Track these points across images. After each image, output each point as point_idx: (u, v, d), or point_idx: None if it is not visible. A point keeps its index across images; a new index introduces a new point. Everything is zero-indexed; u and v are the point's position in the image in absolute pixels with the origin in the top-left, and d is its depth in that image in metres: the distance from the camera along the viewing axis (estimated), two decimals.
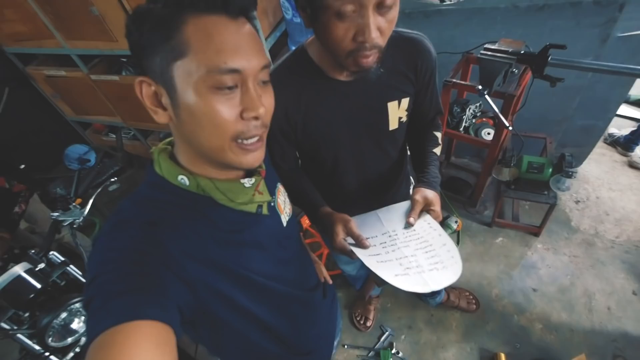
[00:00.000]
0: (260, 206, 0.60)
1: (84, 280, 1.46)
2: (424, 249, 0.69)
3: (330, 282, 0.92)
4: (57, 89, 2.51)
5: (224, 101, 0.45)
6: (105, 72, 2.20)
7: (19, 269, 1.21)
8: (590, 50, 1.61)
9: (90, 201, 1.54)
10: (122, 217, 0.49)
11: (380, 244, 0.72)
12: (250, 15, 0.48)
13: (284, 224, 0.68)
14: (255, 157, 0.52)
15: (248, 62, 0.45)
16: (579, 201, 2.08)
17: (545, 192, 1.73)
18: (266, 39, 1.65)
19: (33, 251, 1.35)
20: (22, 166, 2.14)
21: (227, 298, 0.55)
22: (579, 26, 1.55)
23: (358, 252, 0.69)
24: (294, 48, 0.82)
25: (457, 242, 1.98)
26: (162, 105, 0.48)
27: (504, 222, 1.99)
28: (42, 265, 1.31)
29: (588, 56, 1.62)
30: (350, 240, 0.72)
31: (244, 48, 0.45)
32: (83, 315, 1.33)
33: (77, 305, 1.30)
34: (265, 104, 0.49)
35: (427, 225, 0.75)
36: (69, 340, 1.31)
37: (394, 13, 0.62)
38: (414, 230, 0.74)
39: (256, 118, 0.47)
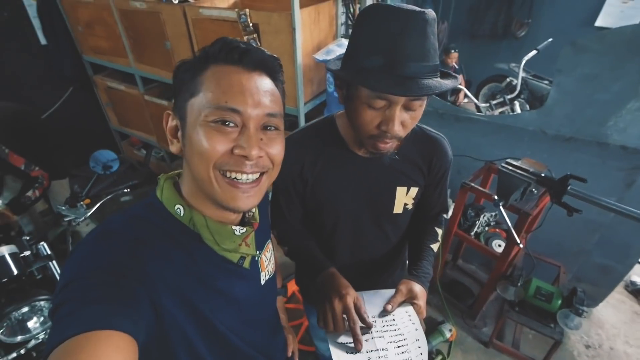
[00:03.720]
0: (243, 258, 0.59)
1: None
2: (397, 343, 0.68)
3: None
4: (112, 99, 2.77)
5: (218, 134, 0.48)
6: (157, 96, 2.43)
7: (4, 250, 1.21)
8: (615, 191, 1.60)
9: (98, 205, 1.57)
10: (110, 229, 0.50)
11: None
12: (273, 76, 0.53)
13: (262, 281, 0.66)
14: (248, 200, 0.53)
15: (253, 106, 0.49)
16: (589, 346, 1.88)
17: (552, 325, 1.59)
18: (305, 104, 1.79)
19: (27, 238, 1.35)
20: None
21: (187, 340, 0.52)
22: (604, 165, 1.57)
23: (330, 337, 0.67)
24: None
25: (448, 354, 1.79)
26: (177, 137, 0.54)
27: (503, 346, 1.81)
28: (27, 253, 1.31)
29: (612, 196, 1.60)
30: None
31: (250, 94, 0.49)
32: (43, 315, 1.27)
33: (43, 303, 1.26)
34: (268, 149, 0.52)
35: (407, 317, 0.74)
36: (19, 338, 1.25)
37: (420, 112, 0.69)
38: (393, 319, 0.73)
39: (245, 157, 0.49)
